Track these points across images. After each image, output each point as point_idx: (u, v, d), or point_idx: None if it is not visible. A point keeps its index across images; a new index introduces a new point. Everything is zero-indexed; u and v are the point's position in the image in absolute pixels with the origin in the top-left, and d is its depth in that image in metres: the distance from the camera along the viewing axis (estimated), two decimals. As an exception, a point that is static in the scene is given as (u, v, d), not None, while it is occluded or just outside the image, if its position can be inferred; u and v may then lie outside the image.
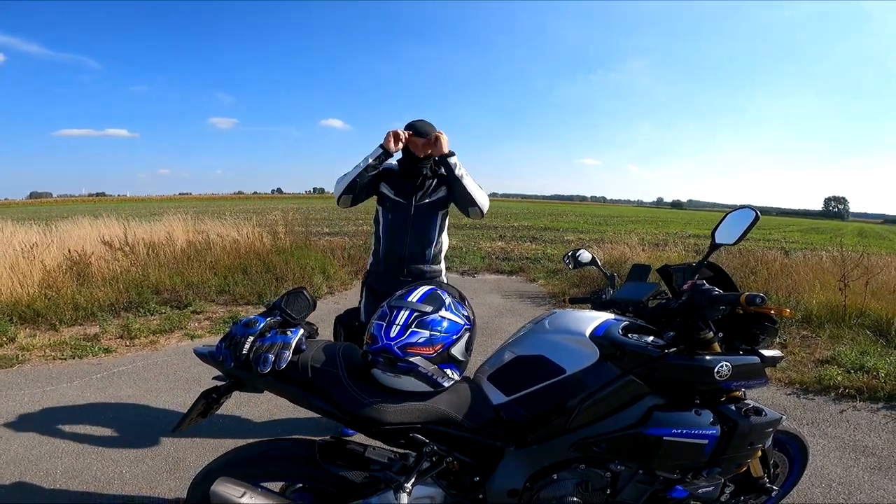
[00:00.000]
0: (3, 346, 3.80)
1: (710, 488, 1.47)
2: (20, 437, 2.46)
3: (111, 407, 2.84)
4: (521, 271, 7.65)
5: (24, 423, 2.61)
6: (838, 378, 3.26)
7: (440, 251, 2.35)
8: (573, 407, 1.35)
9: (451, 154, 2.16)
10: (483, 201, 2.22)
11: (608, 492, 1.43)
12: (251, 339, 1.24)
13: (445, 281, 2.38)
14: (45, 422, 2.62)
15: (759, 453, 1.63)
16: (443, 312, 1.32)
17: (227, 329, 1.31)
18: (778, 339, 3.98)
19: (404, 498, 1.24)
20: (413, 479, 1.28)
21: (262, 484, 1.36)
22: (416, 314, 1.29)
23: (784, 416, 1.71)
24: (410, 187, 2.22)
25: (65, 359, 3.60)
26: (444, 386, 1.33)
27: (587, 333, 1.41)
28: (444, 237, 2.38)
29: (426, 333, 1.27)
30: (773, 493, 1.73)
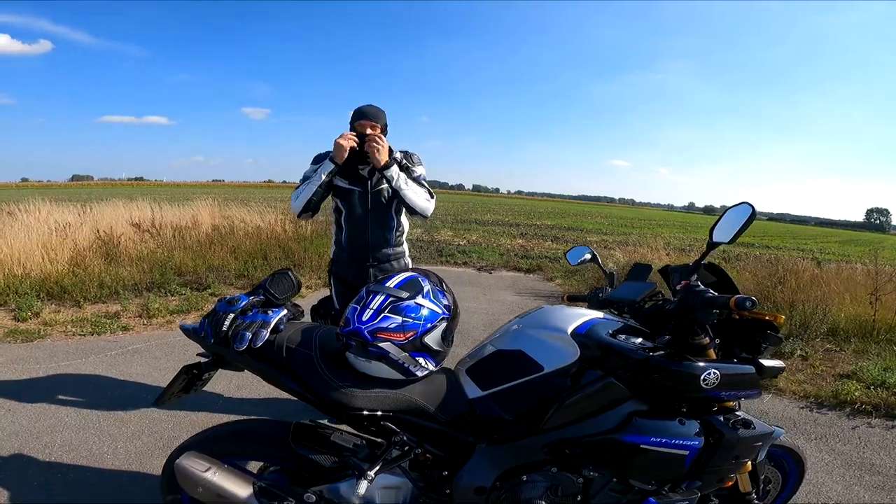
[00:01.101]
0: (28, 321, 3.97)
1: (685, 502, 1.39)
2: (27, 410, 2.55)
3: (119, 384, 2.93)
4: (539, 270, 7.55)
5: (33, 396, 2.71)
6: (856, 393, 3.12)
7: (402, 233, 2.36)
8: (548, 406, 1.30)
9: (389, 166, 2.12)
10: (423, 206, 2.23)
11: (579, 498, 1.37)
12: (232, 315, 1.25)
13: (409, 262, 2.39)
14: (54, 396, 2.71)
15: (749, 468, 1.54)
16: (419, 299, 1.29)
17: (213, 306, 1.32)
18: (781, 348, 3.82)
19: (364, 485, 1.23)
20: (378, 467, 1.26)
21: (236, 462, 1.37)
22: (391, 299, 1.27)
23: (783, 431, 1.62)
24: (363, 173, 2.20)
25: (84, 335, 3.73)
26: (416, 375, 1.30)
27: (569, 331, 1.35)
28: (404, 219, 2.37)
29: (398, 319, 1.25)
30: None
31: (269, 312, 1.29)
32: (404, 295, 1.28)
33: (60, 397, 2.69)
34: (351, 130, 2.17)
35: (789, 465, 1.74)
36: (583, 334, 1.34)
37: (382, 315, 1.25)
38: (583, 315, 1.41)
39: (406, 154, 2.28)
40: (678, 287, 1.37)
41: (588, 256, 1.91)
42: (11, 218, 6.63)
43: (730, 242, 1.30)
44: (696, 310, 1.25)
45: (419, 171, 2.28)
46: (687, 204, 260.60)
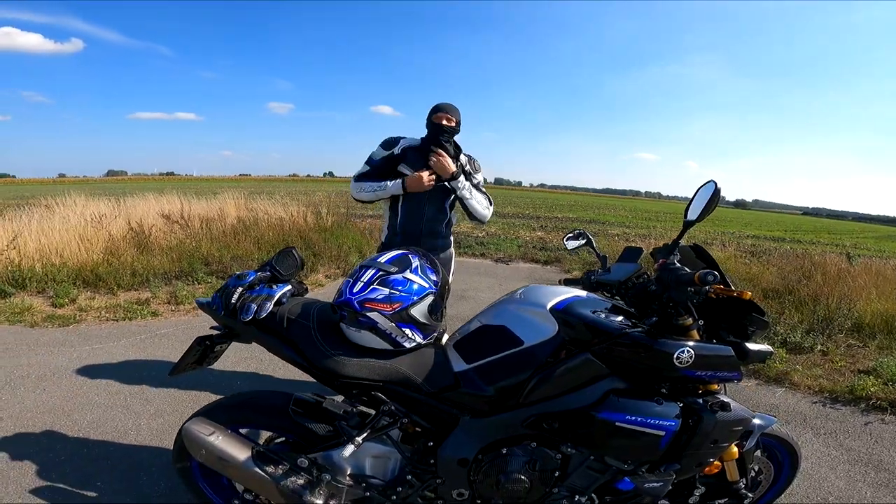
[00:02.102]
0: (65, 307, 4.21)
1: (658, 484, 1.40)
2: (60, 390, 2.73)
3: (147, 365, 3.10)
4: (557, 262, 7.53)
5: (67, 377, 2.89)
6: (872, 389, 3.04)
7: (450, 225, 2.46)
8: (527, 380, 1.34)
9: (456, 177, 2.26)
10: (483, 214, 2.41)
11: (557, 474, 1.41)
12: (240, 289, 1.37)
13: (453, 254, 2.50)
14: (86, 377, 2.89)
15: (735, 455, 1.55)
16: (407, 274, 1.37)
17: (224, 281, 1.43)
18: (801, 342, 3.76)
19: (351, 448, 1.31)
20: (366, 434, 1.33)
21: (240, 429, 1.47)
22: (380, 273, 1.37)
23: (775, 420, 1.61)
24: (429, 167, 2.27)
25: (116, 320, 3.95)
26: (404, 346, 1.38)
27: (548, 307, 1.39)
28: (454, 214, 2.49)
29: (385, 291, 1.34)
30: (746, 501, 1.64)
31: (274, 287, 1.40)
32: (393, 269, 1.37)
33: (92, 378, 2.88)
34: (428, 122, 2.29)
35: (782, 456, 1.73)
36: (560, 310, 1.38)
37: (371, 287, 1.34)
38: (564, 293, 1.46)
39: (470, 159, 2.39)
40: (656, 266, 1.40)
41: (583, 241, 1.93)
42: (49, 211, 6.99)
43: (699, 219, 1.33)
44: (671, 287, 1.28)
45: (479, 177, 2.40)
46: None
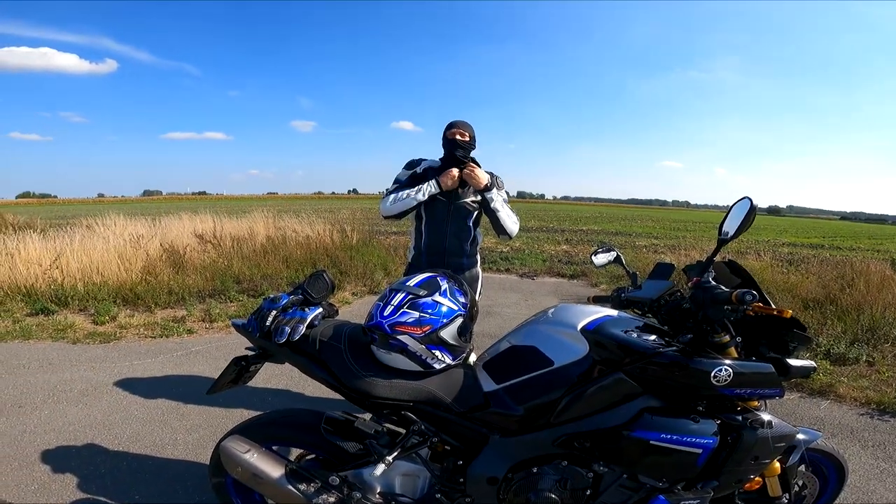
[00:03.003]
0: (105, 324, 4.38)
1: (696, 502, 1.35)
2: (101, 404, 2.83)
3: (183, 381, 3.19)
4: (583, 275, 7.42)
5: (107, 392, 3.00)
6: None
7: (476, 244, 2.45)
8: (558, 400, 1.33)
9: (489, 189, 2.28)
10: (512, 229, 2.40)
11: (589, 493, 1.38)
12: (274, 312, 1.41)
13: (480, 272, 2.49)
14: (125, 392, 2.99)
15: (778, 471, 1.49)
16: (437, 297, 1.39)
17: (259, 304, 1.47)
18: (846, 353, 3.59)
19: (382, 467, 1.32)
20: (396, 453, 1.34)
21: (274, 447, 1.49)
22: (410, 296, 1.39)
23: (820, 435, 1.54)
24: (452, 189, 2.29)
25: (154, 337, 4.08)
26: (434, 367, 1.39)
27: (579, 327, 1.38)
28: (479, 232, 2.48)
29: (416, 315, 1.36)
30: None
31: (306, 310, 1.43)
32: (422, 293, 1.40)
33: (131, 393, 2.97)
34: (444, 139, 2.32)
35: (828, 471, 1.66)
36: (591, 331, 1.36)
37: (402, 311, 1.37)
38: (595, 312, 1.44)
39: (493, 176, 2.37)
40: (690, 284, 1.38)
41: (612, 257, 1.88)
42: (90, 231, 7.33)
43: (734, 237, 1.31)
44: (707, 306, 1.25)
45: (503, 194, 2.40)
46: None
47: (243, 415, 2.68)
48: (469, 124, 2.34)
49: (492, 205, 2.31)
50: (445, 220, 2.33)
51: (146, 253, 6.10)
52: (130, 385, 3.09)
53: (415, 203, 2.27)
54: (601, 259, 1.89)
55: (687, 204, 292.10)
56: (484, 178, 2.25)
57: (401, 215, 2.34)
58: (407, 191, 2.27)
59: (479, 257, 2.50)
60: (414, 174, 2.35)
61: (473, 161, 2.35)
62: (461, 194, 2.32)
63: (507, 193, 2.47)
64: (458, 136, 2.27)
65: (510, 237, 2.45)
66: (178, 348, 3.80)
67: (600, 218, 28.53)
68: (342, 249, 7.18)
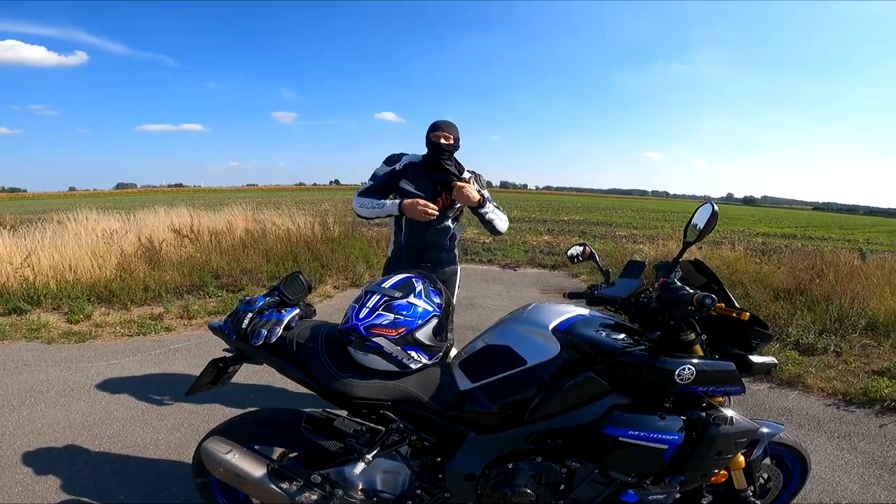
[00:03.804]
0: (80, 323, 4.27)
1: (663, 496, 1.42)
2: (80, 405, 2.78)
3: (162, 379, 3.15)
4: (565, 266, 7.52)
5: (86, 392, 2.94)
6: (886, 390, 3.01)
7: (455, 239, 2.49)
8: (531, 398, 1.37)
9: (482, 204, 2.28)
10: (503, 227, 2.43)
11: (562, 488, 1.43)
12: (250, 315, 1.41)
13: (458, 268, 2.52)
14: (104, 392, 2.94)
15: (742, 464, 1.56)
16: (411, 298, 1.42)
17: (235, 306, 1.47)
18: (814, 343, 3.73)
19: (362, 465, 1.35)
20: (376, 451, 1.37)
21: (256, 447, 1.50)
22: (385, 298, 1.41)
23: (783, 428, 1.61)
24: (431, 189, 2.30)
25: (131, 335, 4.00)
26: (410, 367, 1.42)
27: (550, 327, 1.42)
28: (458, 227, 2.51)
29: (391, 317, 1.38)
30: None
31: (283, 312, 1.44)
32: (397, 294, 1.42)
33: (110, 393, 2.92)
34: (427, 141, 2.31)
35: (792, 464, 1.73)
36: (562, 331, 1.40)
37: (377, 313, 1.39)
38: (568, 312, 1.47)
39: (475, 175, 2.40)
40: (657, 285, 1.42)
41: (587, 252, 1.88)
42: (62, 227, 7.10)
43: (697, 241, 1.38)
44: (672, 306, 1.30)
45: (486, 193, 2.39)
46: (725, 195, 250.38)
47: (225, 413, 2.66)
48: (454, 125, 2.33)
49: (487, 216, 2.33)
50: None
51: (120, 249, 5.95)
52: (109, 385, 3.04)
53: (379, 215, 2.29)
54: (576, 256, 1.92)
55: (666, 194, 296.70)
56: (475, 196, 2.24)
57: (369, 220, 2.36)
58: (373, 202, 2.28)
59: (457, 252, 2.53)
60: (392, 171, 2.35)
61: (458, 164, 2.35)
62: (441, 191, 2.30)
63: (490, 183, 2.50)
64: (442, 140, 2.27)
65: (500, 235, 2.50)
66: (157, 346, 3.74)
67: (582, 208, 28.82)
68: (323, 242, 7.12)
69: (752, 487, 1.62)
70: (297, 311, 1.47)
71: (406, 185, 2.32)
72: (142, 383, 3.07)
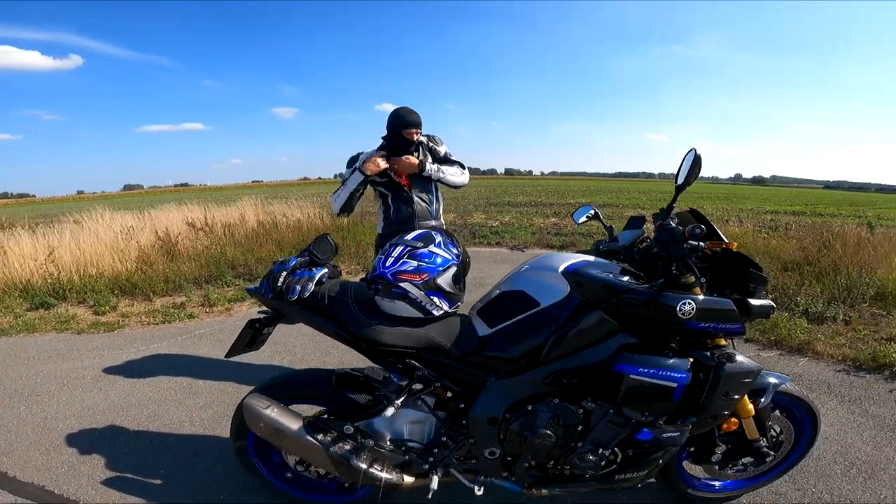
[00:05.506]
0: (107, 314, 4.45)
1: (676, 434, 1.48)
2: (116, 389, 2.93)
3: (191, 361, 3.30)
4: (572, 245, 7.58)
5: (121, 376, 3.09)
6: (895, 355, 3.03)
7: (440, 204, 2.64)
8: (546, 339, 1.45)
9: (423, 168, 2.42)
10: (460, 181, 2.60)
11: (580, 428, 1.51)
12: (284, 273, 1.53)
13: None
14: (137, 376, 3.09)
15: (752, 412, 1.62)
16: (432, 248, 1.54)
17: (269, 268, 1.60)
18: (823, 312, 3.78)
19: (391, 411, 1.48)
20: (403, 398, 1.49)
21: (291, 405, 1.62)
22: (408, 248, 1.54)
23: (788, 378, 1.67)
24: (386, 171, 2.42)
25: (157, 323, 4.16)
26: (432, 314, 1.53)
27: (560, 270, 1.50)
28: (440, 193, 2.66)
29: (414, 263, 1.51)
30: (769, 459, 1.71)
31: (314, 270, 1.56)
32: (419, 244, 1.55)
33: (143, 377, 3.07)
34: (394, 135, 2.42)
35: (801, 416, 1.77)
36: (571, 272, 1.49)
37: (402, 261, 1.52)
38: (575, 257, 1.57)
39: (429, 137, 2.53)
40: (654, 227, 1.50)
41: (592, 213, 2.01)
42: (79, 226, 7.28)
43: (684, 184, 1.46)
44: (668, 245, 1.38)
45: (443, 149, 2.54)
46: (733, 175, 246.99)
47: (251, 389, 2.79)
48: (416, 113, 2.43)
49: (433, 176, 2.47)
50: (409, 192, 2.49)
51: (138, 244, 6.11)
52: (141, 369, 3.19)
53: (348, 193, 2.41)
54: (581, 217, 2.03)
55: (673, 176, 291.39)
56: (413, 164, 2.39)
57: (347, 208, 2.48)
58: (341, 187, 2.43)
59: (443, 220, 2.69)
60: (354, 168, 2.45)
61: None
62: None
63: (447, 150, 2.60)
64: (415, 136, 2.41)
65: (464, 186, 2.64)
66: (182, 333, 3.89)
67: (588, 191, 28.64)
68: (334, 231, 7.23)
69: (763, 439, 1.69)
70: (326, 270, 1.59)
71: (375, 177, 2.45)
72: (171, 366, 3.22)
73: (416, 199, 2.50)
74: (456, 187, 2.60)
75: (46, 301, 4.70)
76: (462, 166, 2.60)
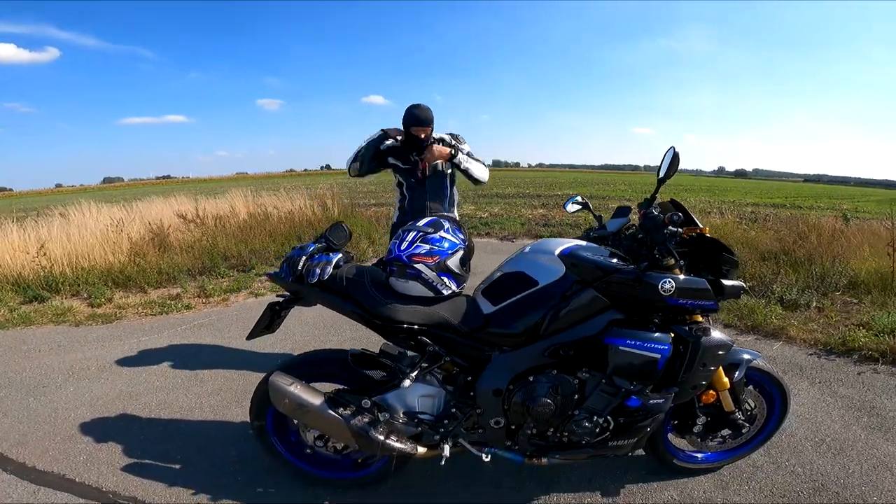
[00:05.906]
0: (103, 306, 4.48)
1: (661, 401, 1.67)
2: (122, 378, 2.99)
3: (194, 350, 3.38)
4: (560, 236, 7.74)
5: (125, 366, 3.16)
6: (863, 340, 3.21)
7: (454, 202, 2.79)
8: (545, 315, 1.62)
9: (454, 156, 2.57)
10: (483, 175, 2.74)
11: (576, 397, 1.68)
12: (304, 258, 1.66)
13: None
14: (142, 365, 3.16)
15: (727, 385, 1.80)
16: (441, 233, 1.71)
17: (288, 253, 1.72)
18: (797, 299, 3.95)
19: (406, 383, 1.62)
20: (416, 372, 1.63)
21: (311, 384, 1.74)
22: (420, 233, 1.70)
23: (759, 354, 1.86)
24: (414, 163, 2.60)
25: (154, 315, 4.21)
26: (442, 293, 1.69)
27: (556, 252, 1.68)
28: (456, 191, 2.81)
29: (427, 247, 1.67)
30: (745, 431, 1.90)
31: (330, 254, 1.69)
32: (430, 230, 1.71)
33: (148, 366, 3.14)
34: (406, 133, 2.55)
35: (771, 390, 1.95)
36: (567, 255, 1.66)
37: (416, 245, 1.68)
38: (570, 241, 1.74)
39: (453, 136, 2.68)
40: (639, 215, 1.69)
41: (580, 202, 2.17)
42: (65, 219, 7.19)
43: (665, 177, 1.66)
44: (651, 231, 1.56)
45: (466, 147, 2.69)
46: (716, 168, 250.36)
47: (258, 378, 2.88)
48: (427, 108, 2.54)
49: (462, 166, 2.63)
50: (423, 182, 2.64)
51: (128, 236, 6.09)
52: (144, 359, 3.26)
53: (365, 145, 2.59)
54: (572, 207, 2.18)
55: (657, 168, 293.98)
56: (445, 151, 2.55)
57: (358, 157, 2.60)
58: (357, 147, 2.61)
59: (457, 214, 2.81)
60: (378, 146, 2.62)
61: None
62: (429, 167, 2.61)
63: (470, 149, 2.74)
64: (422, 135, 2.54)
65: (484, 182, 2.76)
66: (181, 323, 3.95)
67: (575, 183, 28.89)
68: (325, 222, 7.28)
69: (738, 412, 1.87)
70: (341, 254, 1.72)
71: (393, 161, 2.63)
72: (175, 355, 3.29)
73: (430, 191, 2.64)
74: (478, 182, 2.72)
75: (40, 294, 4.69)
76: (484, 164, 2.76)
